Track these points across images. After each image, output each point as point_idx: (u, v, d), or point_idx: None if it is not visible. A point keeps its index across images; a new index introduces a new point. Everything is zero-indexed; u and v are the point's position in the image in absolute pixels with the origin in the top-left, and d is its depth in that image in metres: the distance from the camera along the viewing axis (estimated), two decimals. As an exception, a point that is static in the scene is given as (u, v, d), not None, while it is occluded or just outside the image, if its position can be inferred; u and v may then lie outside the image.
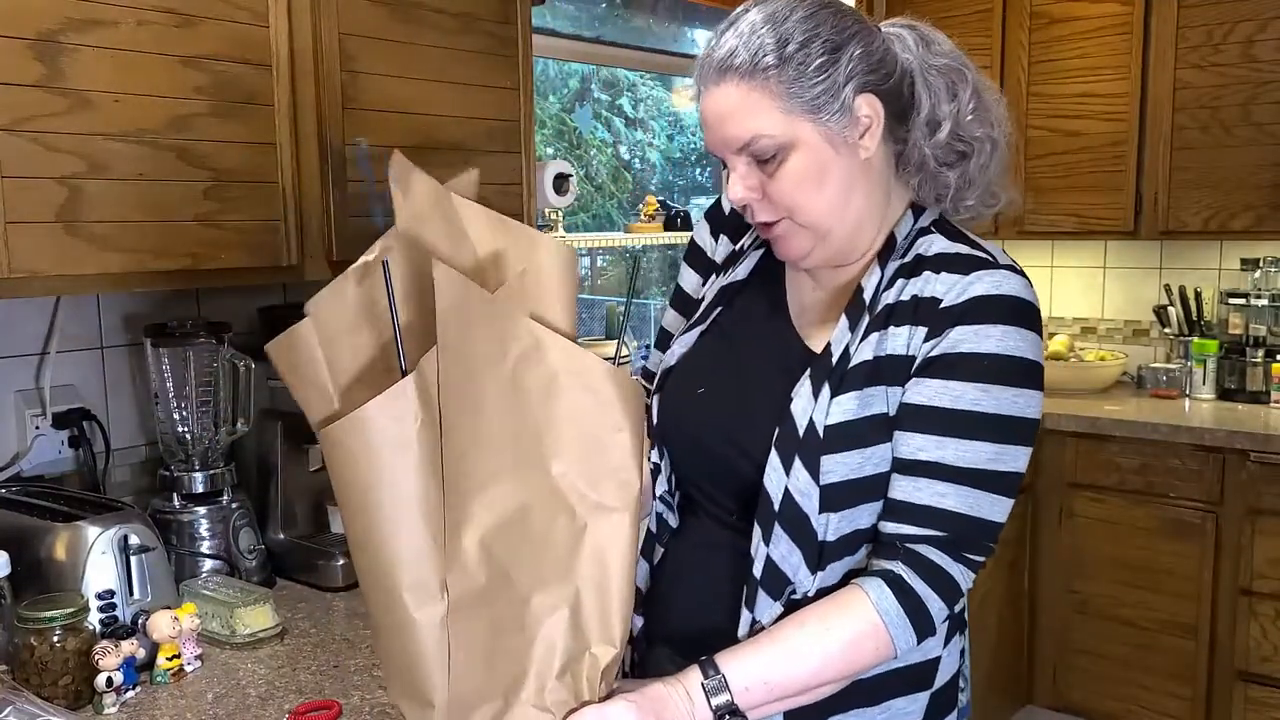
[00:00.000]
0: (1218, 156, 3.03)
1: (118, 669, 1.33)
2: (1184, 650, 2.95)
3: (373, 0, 1.74)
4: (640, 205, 3.40)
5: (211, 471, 1.74)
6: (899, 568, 1.06)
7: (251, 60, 1.59)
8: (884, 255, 1.14)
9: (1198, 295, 3.36)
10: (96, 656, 1.32)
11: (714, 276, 1.29)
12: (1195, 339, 3.29)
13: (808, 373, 1.11)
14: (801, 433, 1.08)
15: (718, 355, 1.22)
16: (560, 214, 2.85)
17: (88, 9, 1.40)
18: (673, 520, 1.24)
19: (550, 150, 3.36)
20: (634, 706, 0.94)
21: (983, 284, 1.06)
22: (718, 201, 1.34)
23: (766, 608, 1.09)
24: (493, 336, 0.85)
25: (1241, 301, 3.23)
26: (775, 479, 1.08)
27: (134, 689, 1.37)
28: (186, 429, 1.75)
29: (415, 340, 0.86)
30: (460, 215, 0.93)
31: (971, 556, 1.07)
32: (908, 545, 1.06)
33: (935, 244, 1.12)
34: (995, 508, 1.06)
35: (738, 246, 1.29)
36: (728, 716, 0.99)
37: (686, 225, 3.30)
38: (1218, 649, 2.90)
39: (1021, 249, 3.77)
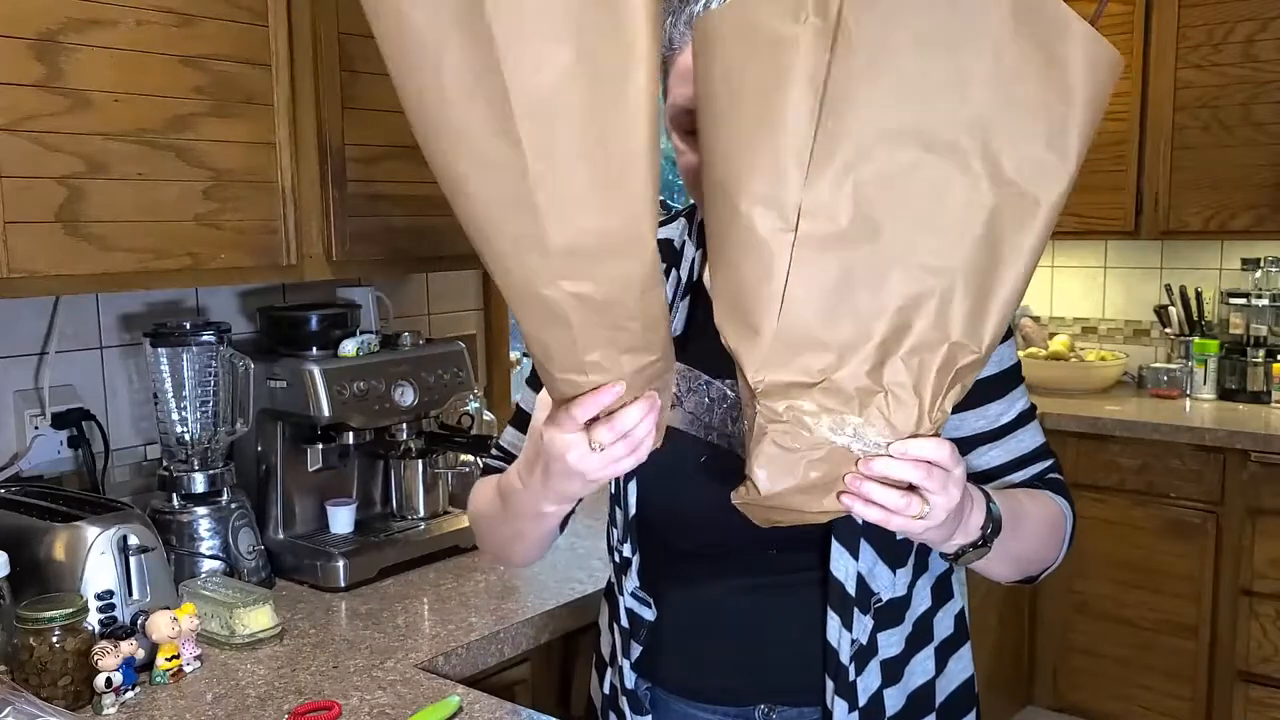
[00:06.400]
0: (1218, 156, 3.03)
1: (117, 669, 1.33)
2: (1184, 650, 2.95)
3: (373, 0, 1.73)
4: (640, 205, 3.39)
5: (211, 471, 1.74)
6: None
7: (251, 60, 1.59)
8: None
9: (1198, 295, 3.36)
10: (96, 657, 1.32)
11: None
12: (1196, 339, 3.29)
13: None
14: None
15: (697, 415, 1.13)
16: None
17: (88, 9, 1.40)
18: (648, 614, 1.16)
19: (550, 150, 3.34)
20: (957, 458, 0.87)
21: None
22: None
23: (859, 623, 1.07)
24: None
25: (1242, 301, 3.23)
26: None
27: (133, 689, 1.36)
28: (186, 429, 1.75)
29: None
30: None
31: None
32: (1042, 479, 1.15)
33: None
34: None
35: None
36: (971, 551, 0.96)
37: (687, 225, 3.29)
38: (1218, 649, 2.90)
39: (1022, 249, 3.77)
